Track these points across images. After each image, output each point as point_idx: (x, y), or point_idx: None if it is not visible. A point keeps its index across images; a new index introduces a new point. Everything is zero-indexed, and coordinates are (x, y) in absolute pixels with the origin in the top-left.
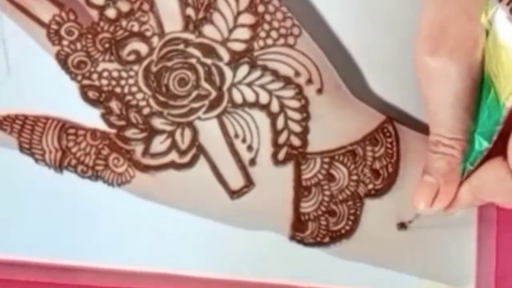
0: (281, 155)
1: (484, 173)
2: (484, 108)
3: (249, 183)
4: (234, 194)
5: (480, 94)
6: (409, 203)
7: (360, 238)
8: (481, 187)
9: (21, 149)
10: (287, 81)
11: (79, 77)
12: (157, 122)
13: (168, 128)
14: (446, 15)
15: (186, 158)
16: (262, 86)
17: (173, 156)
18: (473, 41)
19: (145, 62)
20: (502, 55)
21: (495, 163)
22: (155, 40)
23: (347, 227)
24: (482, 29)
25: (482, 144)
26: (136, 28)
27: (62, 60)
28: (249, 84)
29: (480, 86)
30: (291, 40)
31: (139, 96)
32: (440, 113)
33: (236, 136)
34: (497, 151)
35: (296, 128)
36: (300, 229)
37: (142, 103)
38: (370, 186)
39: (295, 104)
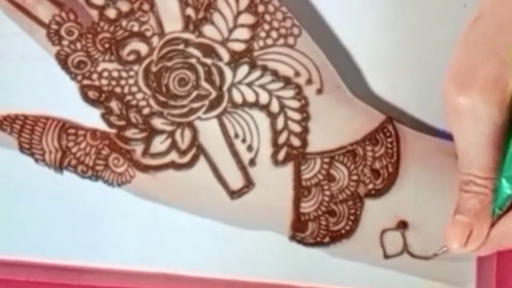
0: (281, 155)
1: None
2: (511, 151)
3: (249, 183)
4: (234, 194)
5: (507, 136)
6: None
7: (360, 238)
8: (507, 234)
9: (21, 149)
10: (287, 81)
11: (79, 77)
12: (157, 122)
13: (168, 128)
14: (477, 56)
15: (186, 158)
16: (262, 86)
17: (173, 156)
18: (504, 83)
19: (145, 62)
20: None
21: None
22: (155, 40)
23: (347, 227)
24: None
25: (510, 188)
26: (136, 28)
27: (62, 60)
28: (249, 84)
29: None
30: (291, 40)
31: (139, 96)
32: (471, 153)
33: (236, 136)
34: None
35: (296, 128)
36: (300, 229)
37: (142, 103)
38: (370, 186)
39: (295, 104)
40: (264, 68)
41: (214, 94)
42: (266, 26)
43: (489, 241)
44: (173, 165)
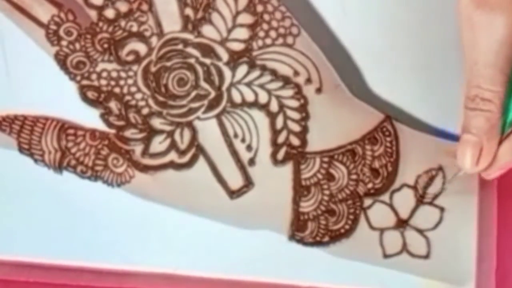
0: (280, 154)
1: None
2: None
3: (249, 182)
4: (234, 193)
5: None
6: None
7: (360, 237)
8: None
9: (21, 149)
10: (286, 81)
11: (78, 78)
12: (156, 122)
13: (167, 128)
14: None
15: (185, 158)
16: (261, 86)
17: (173, 156)
18: None
19: (144, 62)
20: None
21: None
22: (154, 40)
23: (347, 227)
24: None
25: None
26: (135, 28)
27: (61, 61)
28: (248, 84)
29: None
30: (290, 40)
31: (138, 96)
32: (480, 62)
33: (235, 135)
34: None
35: (295, 127)
36: (299, 229)
37: (141, 103)
38: (370, 185)
39: (294, 103)
40: (263, 68)
41: (213, 94)
42: (265, 26)
43: (498, 159)
44: (172, 165)
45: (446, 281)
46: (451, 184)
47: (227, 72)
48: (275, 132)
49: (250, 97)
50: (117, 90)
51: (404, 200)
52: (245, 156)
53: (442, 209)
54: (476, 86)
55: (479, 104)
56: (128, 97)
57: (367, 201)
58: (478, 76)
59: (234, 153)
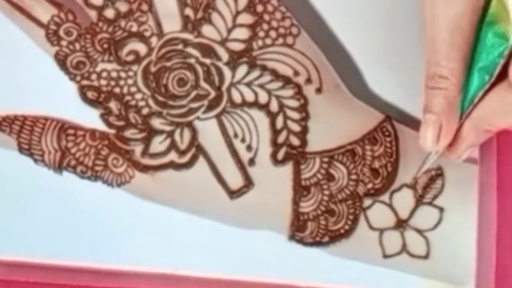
0: (280, 154)
1: (486, 101)
2: (485, 43)
3: (248, 182)
4: (234, 194)
5: (479, 32)
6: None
7: (359, 237)
8: (485, 116)
9: (20, 149)
10: (286, 81)
11: (78, 78)
12: (156, 122)
13: (167, 128)
14: None
15: (185, 158)
16: (261, 86)
17: (172, 156)
18: None
19: (144, 62)
20: None
21: (496, 88)
22: (154, 40)
23: (346, 227)
24: None
25: (484, 79)
26: (135, 29)
27: (61, 61)
28: (248, 84)
29: (480, 23)
30: (290, 40)
31: (138, 96)
32: (438, 39)
33: (235, 136)
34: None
35: (295, 127)
36: (299, 229)
37: (141, 103)
38: (370, 186)
39: (294, 103)
40: (263, 68)
41: (213, 94)
42: (265, 26)
43: (463, 137)
44: (172, 165)
45: (445, 281)
46: (455, 180)
47: (227, 72)
48: (275, 132)
49: (250, 97)
50: (117, 90)
51: (404, 201)
52: (245, 156)
53: (441, 209)
54: (434, 63)
55: (438, 82)
56: (128, 97)
57: (367, 201)
58: (436, 53)
59: (234, 153)
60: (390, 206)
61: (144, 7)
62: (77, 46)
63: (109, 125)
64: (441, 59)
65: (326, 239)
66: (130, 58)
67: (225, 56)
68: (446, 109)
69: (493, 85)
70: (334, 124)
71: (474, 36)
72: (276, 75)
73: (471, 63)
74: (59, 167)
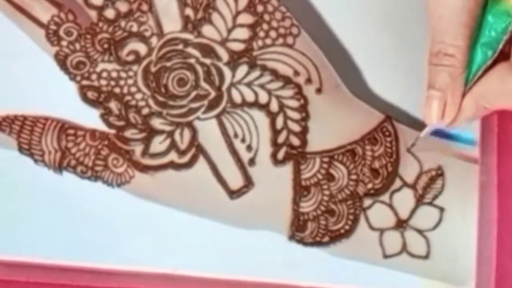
0: (281, 154)
1: (487, 79)
2: (488, 20)
3: (249, 183)
4: (234, 194)
5: (483, 9)
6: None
7: (359, 237)
8: (484, 93)
9: (20, 149)
10: (286, 81)
11: (78, 78)
12: (156, 122)
13: (167, 128)
14: None
15: (186, 158)
16: (261, 86)
17: (173, 156)
18: None
19: (144, 62)
20: None
21: (497, 67)
22: (154, 40)
23: (347, 227)
24: None
25: (487, 54)
26: (135, 29)
27: (61, 61)
28: (248, 84)
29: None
30: (290, 40)
31: (138, 96)
32: (445, 18)
33: (236, 136)
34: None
35: (296, 127)
36: (299, 229)
37: (141, 103)
38: (370, 186)
39: (294, 103)
40: (263, 68)
41: (213, 94)
42: (265, 26)
43: (463, 110)
44: (172, 165)
45: (446, 281)
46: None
47: (227, 72)
48: (275, 132)
49: (250, 97)
50: (117, 90)
51: (404, 201)
52: (245, 156)
53: (441, 210)
54: (440, 41)
55: (442, 60)
56: (128, 97)
57: (367, 201)
58: (442, 32)
59: (234, 153)
60: (390, 206)
61: (144, 7)
62: (77, 46)
63: (109, 125)
64: (447, 37)
65: (326, 239)
66: (130, 58)
67: (225, 56)
68: (451, 85)
69: (495, 62)
70: (334, 124)
71: (479, 14)
72: (276, 75)
73: (474, 39)
74: (59, 167)
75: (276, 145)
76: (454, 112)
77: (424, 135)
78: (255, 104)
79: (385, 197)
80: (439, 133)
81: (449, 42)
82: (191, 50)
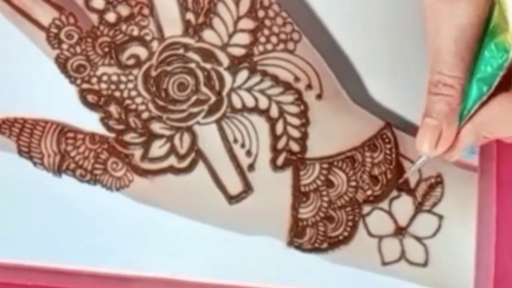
0: (280, 160)
1: (487, 108)
2: (484, 55)
3: (248, 188)
4: (233, 199)
5: (481, 43)
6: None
7: (358, 244)
8: (485, 123)
9: (20, 152)
10: (287, 87)
11: (78, 81)
12: (156, 127)
13: (167, 132)
14: None
15: (185, 163)
16: (262, 91)
17: (172, 160)
18: None
19: (145, 67)
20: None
21: (498, 97)
22: (154, 45)
23: (345, 233)
24: None
25: (482, 90)
26: (136, 32)
27: (62, 64)
28: (249, 89)
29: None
30: (290, 46)
31: (138, 100)
32: (443, 49)
33: (235, 141)
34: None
35: (295, 133)
36: (298, 235)
37: (141, 108)
38: (369, 192)
39: (294, 109)
40: (264, 73)
41: (213, 99)
42: (266, 31)
43: (461, 140)
44: (171, 169)
45: (444, 287)
46: (454, 187)
47: (227, 77)
48: (275, 138)
49: (250, 102)
50: (117, 94)
51: (403, 208)
52: (245, 161)
53: (440, 217)
54: (439, 72)
55: (441, 89)
56: (128, 101)
57: (366, 208)
58: (441, 63)
59: (234, 158)
60: (389, 213)
61: (146, 11)
62: (78, 49)
63: (109, 129)
64: (445, 68)
65: (325, 245)
66: (131, 62)
67: (225, 61)
68: (448, 115)
69: (491, 96)
70: (334, 130)
71: (476, 47)
72: (276, 80)
73: (471, 73)
74: (58, 170)
75: (275, 151)
76: (449, 142)
77: (416, 167)
78: (255, 110)
79: (384, 204)
80: None
81: (447, 73)
82: (191, 55)
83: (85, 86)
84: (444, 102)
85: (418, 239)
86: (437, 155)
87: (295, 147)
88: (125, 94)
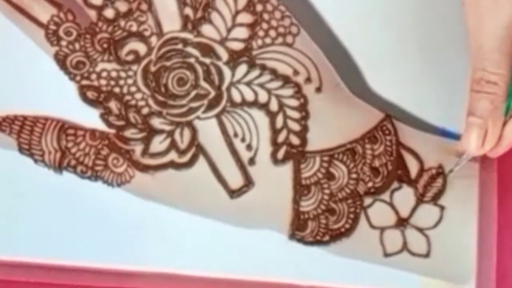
0: (280, 154)
1: None
2: None
3: (249, 182)
4: (234, 193)
5: None
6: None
7: (360, 236)
8: None
9: (21, 149)
10: (286, 80)
11: (78, 78)
12: (156, 122)
13: (167, 127)
14: None
15: (186, 158)
16: (261, 85)
17: (173, 155)
18: None
19: (144, 62)
20: None
21: None
22: (153, 40)
23: (347, 226)
24: None
25: None
26: (134, 28)
27: (61, 61)
28: (248, 83)
29: None
30: (289, 39)
31: (138, 96)
32: (486, 46)
33: (235, 135)
34: None
35: (295, 126)
36: (299, 228)
37: (141, 103)
38: (370, 184)
39: (294, 102)
40: (263, 67)
41: (213, 93)
42: (265, 25)
43: (505, 137)
44: (172, 164)
45: (446, 280)
46: (456, 178)
47: (226, 72)
48: (275, 132)
49: (250, 96)
50: (117, 90)
51: (404, 199)
52: (245, 155)
53: (442, 208)
54: (482, 69)
55: (484, 87)
56: (128, 97)
57: (367, 200)
58: (484, 60)
59: (234, 153)
60: (391, 204)
61: (144, 6)
62: (77, 46)
63: (109, 125)
64: (489, 65)
65: (326, 238)
66: (130, 57)
67: (224, 55)
68: (493, 113)
69: None
70: (334, 123)
71: None
72: (275, 74)
73: None
74: (59, 167)
75: (276, 144)
76: (495, 139)
77: (463, 162)
78: (255, 104)
79: (385, 196)
80: (439, 132)
81: (491, 70)
82: (190, 50)
83: (84, 82)
84: (488, 100)
85: (420, 230)
86: (483, 153)
87: (295, 140)
88: (125, 90)
